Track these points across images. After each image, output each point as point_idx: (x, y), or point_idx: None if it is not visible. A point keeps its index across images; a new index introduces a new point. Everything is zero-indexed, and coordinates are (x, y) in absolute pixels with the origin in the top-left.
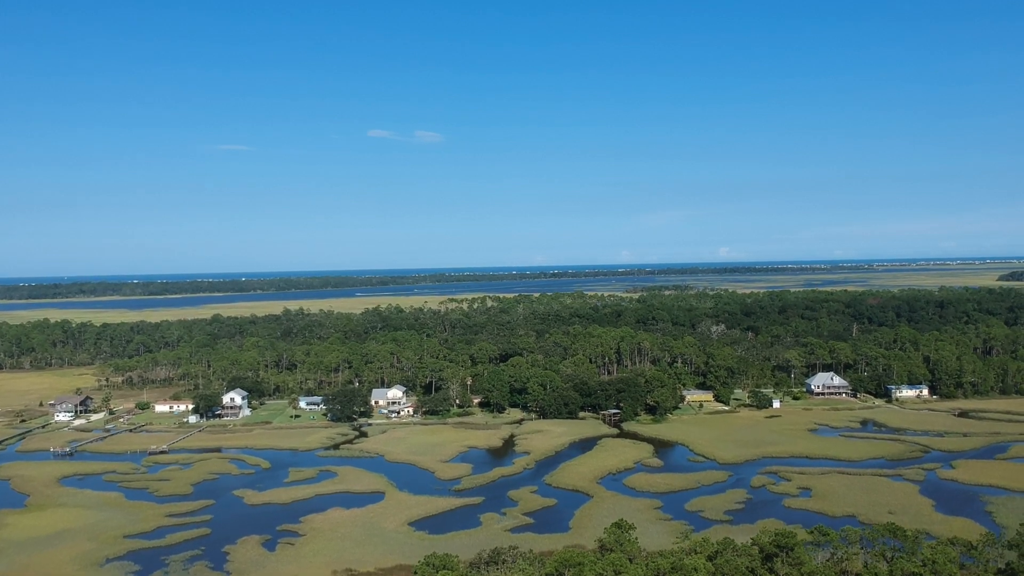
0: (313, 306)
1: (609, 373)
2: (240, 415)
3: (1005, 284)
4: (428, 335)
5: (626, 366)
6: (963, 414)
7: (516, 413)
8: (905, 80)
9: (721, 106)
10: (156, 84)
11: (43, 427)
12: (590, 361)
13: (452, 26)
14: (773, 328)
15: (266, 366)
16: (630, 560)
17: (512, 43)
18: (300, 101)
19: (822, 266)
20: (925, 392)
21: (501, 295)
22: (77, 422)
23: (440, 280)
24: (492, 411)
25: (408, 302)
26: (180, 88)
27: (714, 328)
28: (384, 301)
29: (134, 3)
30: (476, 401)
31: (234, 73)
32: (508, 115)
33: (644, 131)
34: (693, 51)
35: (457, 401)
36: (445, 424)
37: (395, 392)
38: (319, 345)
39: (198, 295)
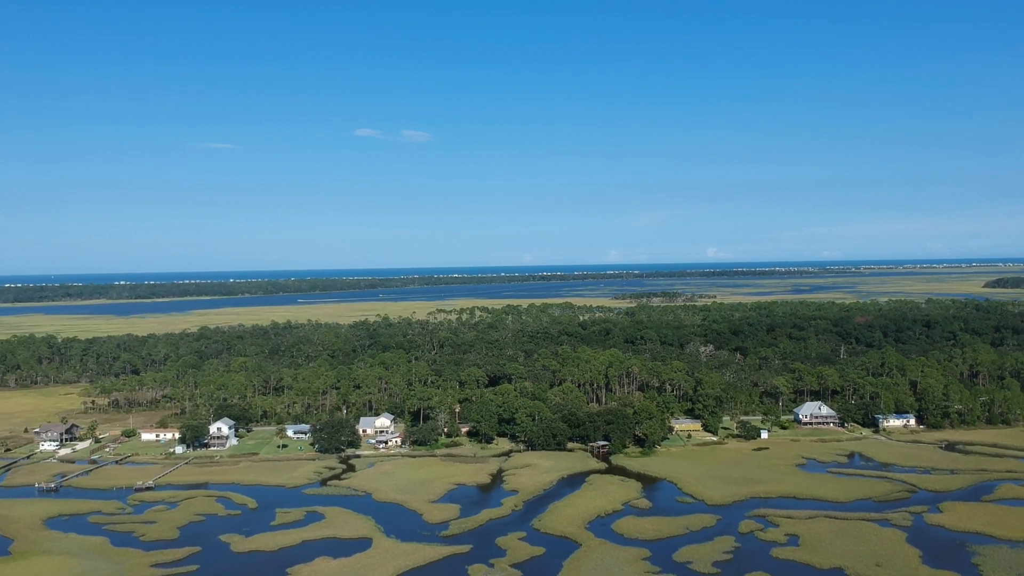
0: (301, 314)
1: (598, 399)
2: (227, 445)
3: (992, 293)
4: (416, 357)
5: (614, 392)
6: (950, 446)
7: (504, 443)
8: (892, 82)
9: (709, 107)
10: (142, 81)
11: (28, 457)
12: (578, 387)
13: (440, 25)
14: (761, 350)
15: (254, 389)
16: None
17: (500, 42)
18: (287, 99)
19: (810, 268)
20: (912, 422)
21: (490, 303)
22: (63, 451)
23: (429, 283)
24: (480, 441)
25: (397, 310)
26: (166, 85)
27: (702, 349)
28: (372, 309)
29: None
30: (464, 430)
31: (221, 70)
32: (496, 114)
33: (633, 131)
34: (682, 52)
35: (445, 430)
36: (433, 456)
37: (383, 421)
38: (307, 369)
39: (185, 299)
